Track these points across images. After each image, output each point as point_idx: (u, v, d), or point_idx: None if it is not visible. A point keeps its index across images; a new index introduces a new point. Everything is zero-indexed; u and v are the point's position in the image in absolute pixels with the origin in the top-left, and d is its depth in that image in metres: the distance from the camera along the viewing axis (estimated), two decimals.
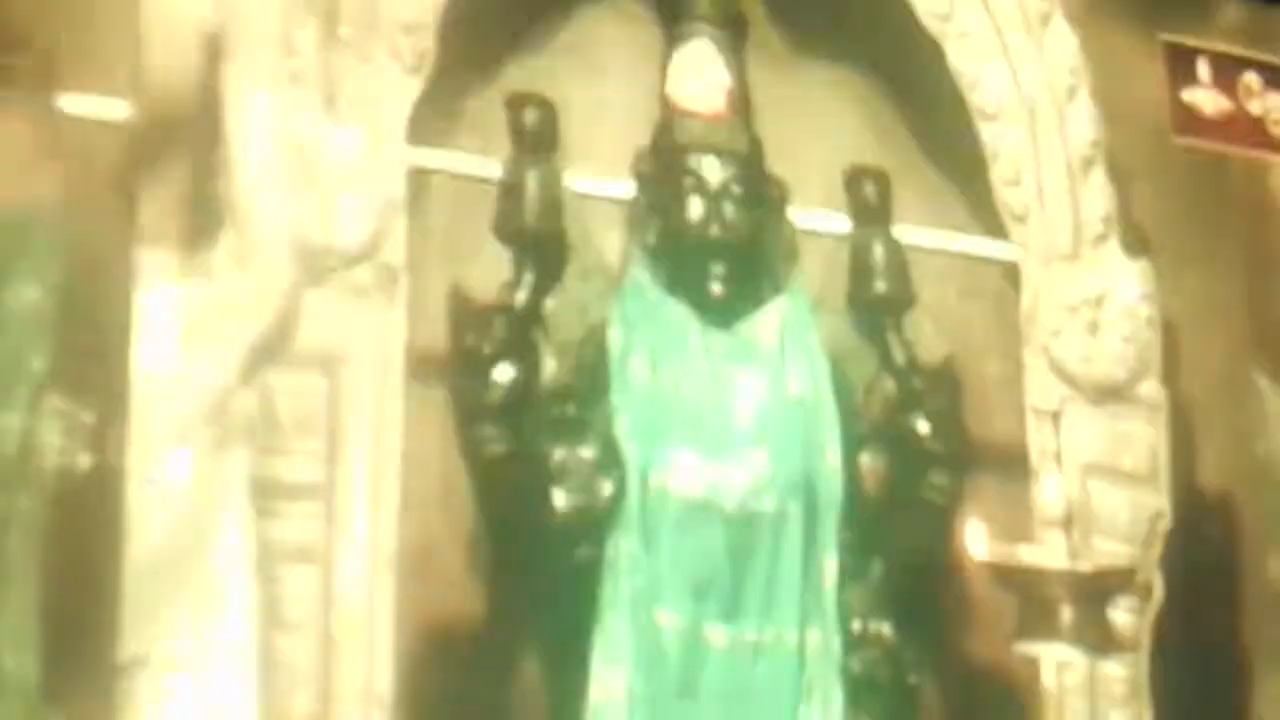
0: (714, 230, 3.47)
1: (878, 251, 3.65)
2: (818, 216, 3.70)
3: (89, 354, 2.89)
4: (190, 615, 2.85)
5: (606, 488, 3.28)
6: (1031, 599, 3.48)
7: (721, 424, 3.38)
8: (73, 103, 3.05)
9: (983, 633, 3.63)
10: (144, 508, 2.85)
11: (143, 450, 2.88)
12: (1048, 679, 3.61)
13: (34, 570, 2.91)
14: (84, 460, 2.94)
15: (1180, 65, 4.19)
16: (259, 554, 2.98)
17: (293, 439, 3.10)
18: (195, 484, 2.86)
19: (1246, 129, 4.22)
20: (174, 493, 2.81)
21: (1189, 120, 4.16)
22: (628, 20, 3.73)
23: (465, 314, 3.31)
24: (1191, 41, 4.21)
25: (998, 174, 3.90)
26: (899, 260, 3.66)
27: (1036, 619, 3.47)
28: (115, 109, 3.05)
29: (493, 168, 3.40)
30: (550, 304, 3.36)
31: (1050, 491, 3.64)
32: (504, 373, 3.26)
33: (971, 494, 3.56)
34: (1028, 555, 3.52)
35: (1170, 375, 3.90)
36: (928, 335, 3.67)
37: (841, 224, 3.69)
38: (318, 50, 3.27)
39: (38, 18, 3.07)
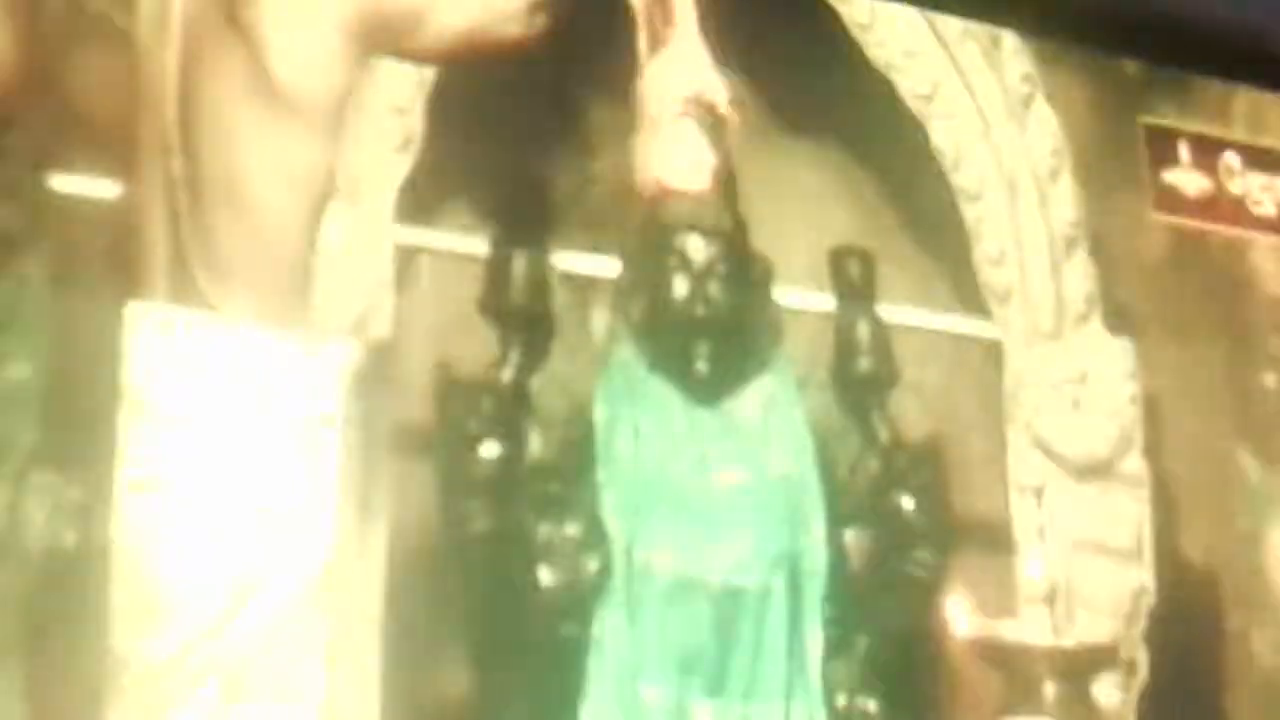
0: (699, 309, 3.49)
1: (862, 330, 3.67)
2: (802, 295, 3.72)
3: (77, 429, 2.90)
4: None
5: (592, 564, 3.28)
6: (1015, 675, 3.48)
7: (706, 501, 3.39)
8: (62, 181, 3.08)
9: (967, 709, 3.63)
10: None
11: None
12: None
13: (19, 649, 2.90)
14: (70, 537, 2.93)
15: (1161, 146, 4.24)
16: None
17: None
18: None
19: (1227, 209, 4.27)
20: None
21: (1170, 200, 4.21)
22: (616, 99, 3.77)
23: (451, 391, 3.32)
24: (1172, 123, 4.26)
25: (981, 253, 3.94)
26: (883, 338, 3.68)
27: (1020, 695, 3.47)
28: (104, 188, 3.08)
29: (479, 245, 3.43)
30: (536, 381, 3.38)
31: (1034, 568, 3.66)
32: (490, 449, 3.28)
33: (955, 570, 3.56)
34: (1011, 631, 3.54)
35: (1153, 452, 3.92)
36: (911, 413, 3.68)
37: (826, 302, 3.71)
38: None
39: (27, 94, 3.10)
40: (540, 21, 2.98)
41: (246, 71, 2.69)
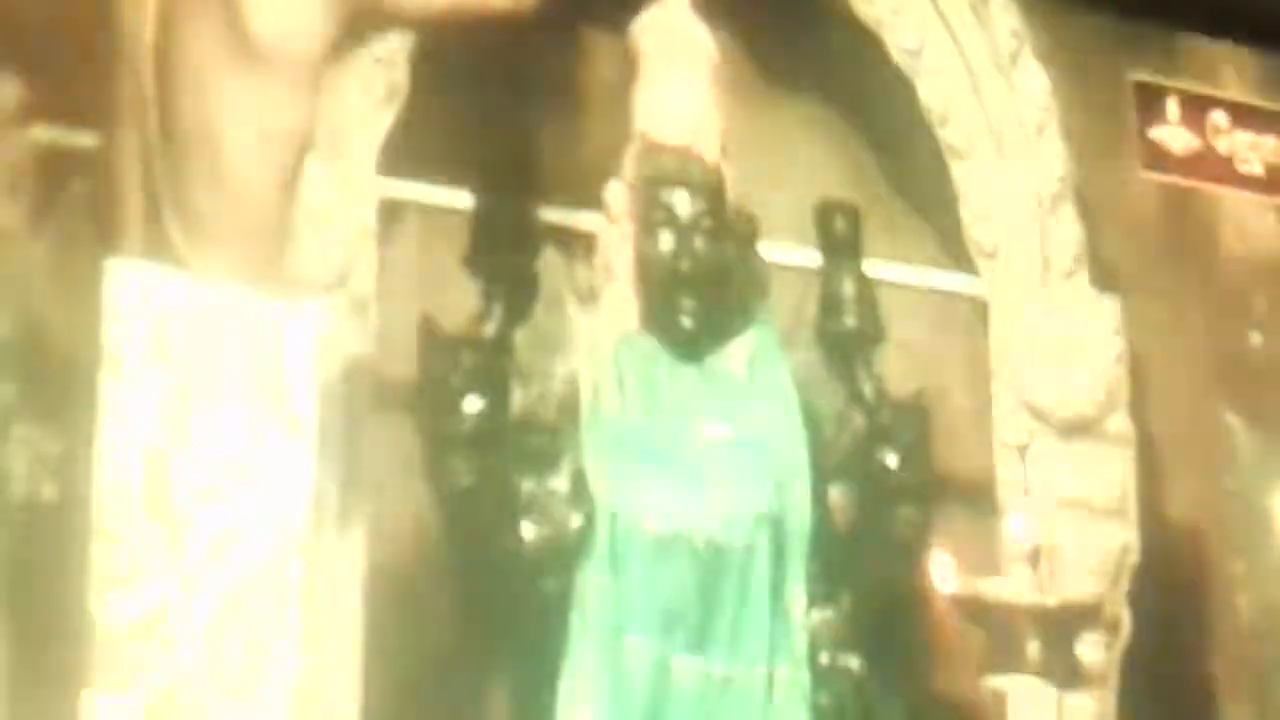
0: (684, 264, 3.48)
1: (847, 286, 3.66)
2: (788, 250, 3.71)
3: (56, 382, 2.89)
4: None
5: (575, 520, 3.27)
6: (999, 633, 3.49)
7: (690, 457, 3.38)
8: (41, 131, 3.06)
9: (950, 667, 3.64)
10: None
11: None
12: (1015, 713, 3.60)
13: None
14: (50, 490, 2.92)
15: (1149, 103, 4.24)
16: None
17: None
18: None
19: (1214, 167, 4.27)
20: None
21: (1157, 158, 4.21)
22: (600, 54, 3.75)
23: (434, 345, 3.31)
24: (1160, 80, 4.25)
25: (967, 210, 3.93)
26: (869, 295, 3.67)
27: (1004, 653, 3.48)
28: (84, 137, 3.05)
29: (463, 199, 3.41)
30: (519, 336, 3.37)
31: (1018, 526, 3.66)
32: (473, 404, 3.26)
33: (940, 528, 3.56)
34: (995, 589, 3.54)
35: (1139, 410, 3.92)
36: (897, 370, 3.67)
37: (811, 258, 3.70)
38: None
39: (6, 47, 3.08)
40: None
41: (223, 26, 2.66)
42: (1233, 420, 4.19)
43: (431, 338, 3.32)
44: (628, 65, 3.58)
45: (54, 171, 3.03)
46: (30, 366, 2.92)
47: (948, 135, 3.93)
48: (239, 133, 2.66)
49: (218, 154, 2.65)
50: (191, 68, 2.69)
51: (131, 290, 2.60)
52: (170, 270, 2.63)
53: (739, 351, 3.50)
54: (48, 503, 2.93)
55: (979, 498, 3.73)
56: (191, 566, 2.58)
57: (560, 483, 3.28)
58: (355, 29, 2.81)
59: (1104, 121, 4.17)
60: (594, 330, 3.43)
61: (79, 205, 2.87)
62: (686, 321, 3.46)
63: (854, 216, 3.71)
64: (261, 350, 2.67)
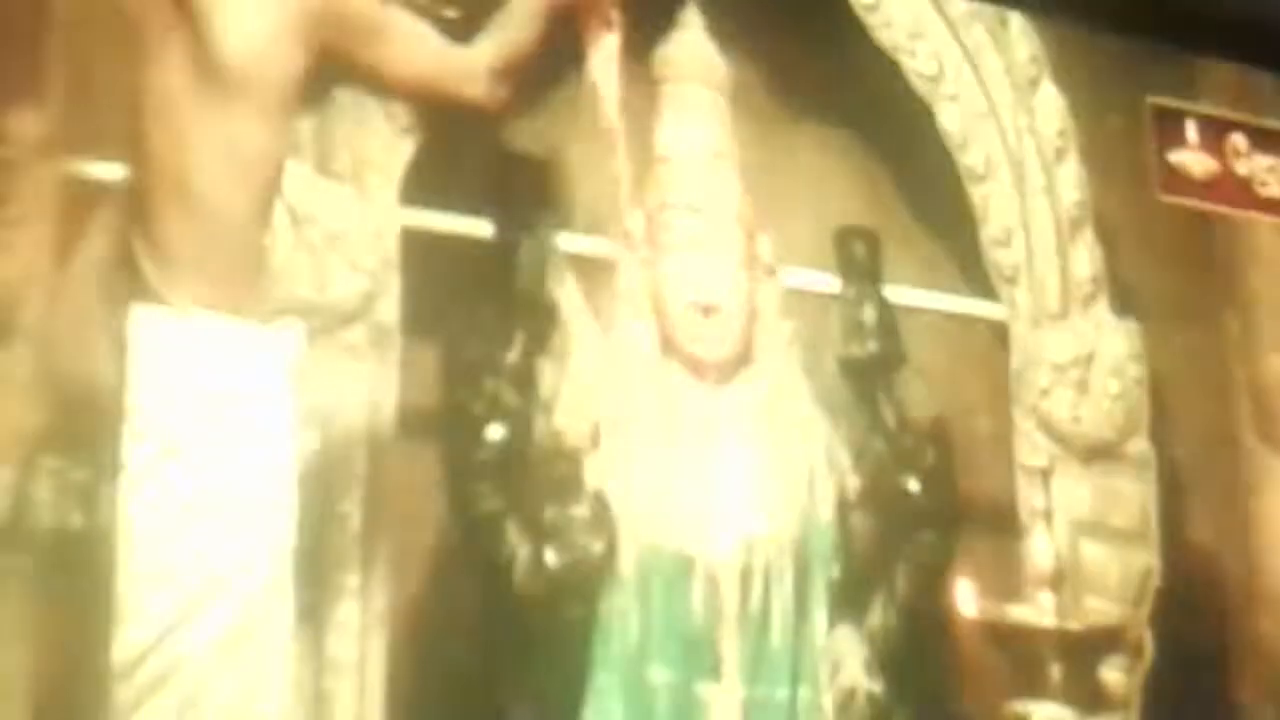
0: (704, 290, 3.48)
1: (868, 311, 3.68)
2: (809, 276, 3.72)
3: (82, 411, 2.90)
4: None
5: (597, 547, 3.28)
6: (1021, 657, 3.49)
7: (713, 482, 3.39)
8: (68, 165, 3.08)
9: (973, 691, 3.63)
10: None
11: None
12: None
13: (26, 631, 2.91)
14: (76, 519, 2.93)
15: (1168, 127, 4.23)
16: None
17: None
18: None
19: (1233, 190, 4.26)
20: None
21: (1176, 181, 4.20)
22: (622, 80, 3.76)
23: (457, 373, 3.32)
24: (1179, 104, 4.25)
25: (987, 235, 3.94)
26: (889, 320, 3.68)
27: (1027, 678, 3.48)
28: (110, 171, 3.07)
29: (485, 228, 3.42)
30: (542, 363, 3.38)
31: (1040, 550, 3.65)
32: (495, 431, 3.28)
33: (962, 552, 3.57)
34: (1018, 614, 3.54)
35: (1159, 433, 3.92)
36: (917, 395, 3.68)
37: (831, 283, 3.71)
38: (312, 112, 3.30)
39: (35, 82, 3.10)
40: (503, 93, 2.98)
41: (192, 56, 2.67)
42: (1253, 442, 4.19)
43: (454, 366, 3.33)
44: (648, 93, 3.60)
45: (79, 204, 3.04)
46: (58, 397, 2.93)
47: (967, 160, 3.94)
48: (210, 163, 2.67)
49: (189, 186, 2.66)
50: (160, 96, 2.70)
51: (148, 328, 2.63)
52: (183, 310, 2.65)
53: (760, 378, 3.51)
54: (75, 531, 2.94)
55: (1001, 522, 3.72)
56: (177, 605, 2.60)
57: (582, 510, 3.29)
58: (328, 66, 2.83)
59: (1123, 145, 4.16)
60: (614, 358, 3.44)
61: (104, 237, 2.88)
62: (706, 348, 3.47)
63: (874, 242, 3.73)
64: (242, 378, 2.69)
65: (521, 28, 3.02)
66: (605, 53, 3.19)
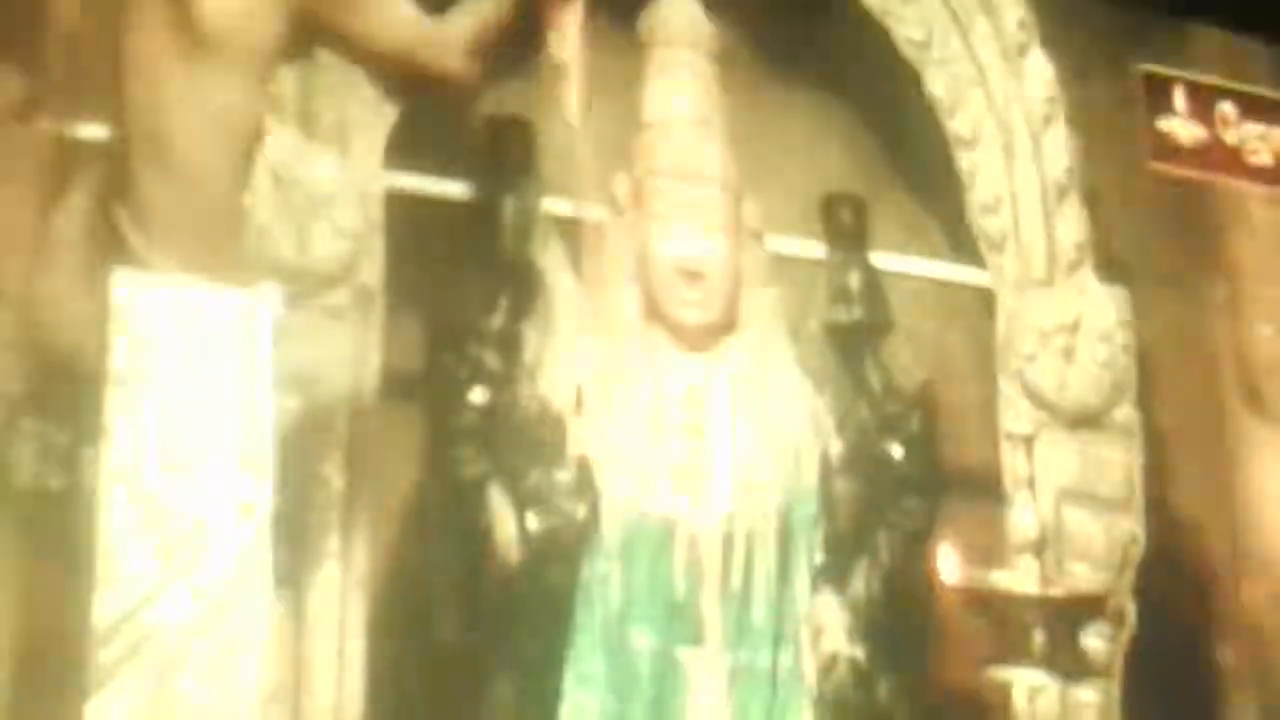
0: (689, 255, 3.48)
1: (854, 277, 3.68)
2: (794, 242, 3.71)
3: (63, 374, 2.90)
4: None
5: (580, 511, 3.29)
6: (1004, 624, 3.50)
7: (696, 447, 3.39)
8: (49, 126, 3.07)
9: (955, 657, 3.64)
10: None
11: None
12: (1019, 704, 3.62)
13: (5, 592, 2.91)
14: (57, 481, 2.93)
15: (1157, 94, 4.22)
16: None
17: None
18: None
19: (1222, 158, 4.25)
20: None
21: (1165, 148, 4.20)
22: (606, 46, 3.74)
23: (440, 337, 3.32)
24: (1168, 71, 4.24)
25: (974, 201, 3.93)
26: (875, 286, 3.68)
27: (1009, 644, 3.49)
28: (92, 132, 3.06)
29: (469, 191, 3.42)
30: (525, 327, 3.37)
31: (1024, 517, 3.66)
32: (479, 395, 3.28)
33: (945, 519, 3.57)
34: (1000, 580, 3.54)
35: (1145, 401, 3.92)
36: (903, 361, 3.68)
37: (818, 250, 3.70)
38: (296, 75, 3.28)
39: (16, 44, 3.09)
40: (476, 69, 2.97)
41: (173, 19, 2.67)
42: (1239, 410, 4.19)
43: (437, 330, 3.33)
44: (636, 57, 3.59)
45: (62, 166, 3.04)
46: (38, 360, 2.93)
47: (955, 126, 3.93)
48: (190, 126, 2.67)
49: (169, 149, 2.66)
50: (140, 58, 2.69)
51: (131, 292, 2.63)
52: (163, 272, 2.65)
53: (745, 343, 3.51)
54: (56, 493, 2.94)
55: (985, 488, 3.73)
56: (171, 558, 2.60)
57: (565, 474, 3.29)
58: (306, 30, 2.82)
59: (1111, 112, 4.15)
60: (599, 322, 3.44)
61: (84, 199, 2.88)
62: (691, 314, 3.47)
63: (860, 208, 3.73)
64: (221, 341, 2.69)
65: (496, 1, 3.02)
66: (569, 31, 3.17)
